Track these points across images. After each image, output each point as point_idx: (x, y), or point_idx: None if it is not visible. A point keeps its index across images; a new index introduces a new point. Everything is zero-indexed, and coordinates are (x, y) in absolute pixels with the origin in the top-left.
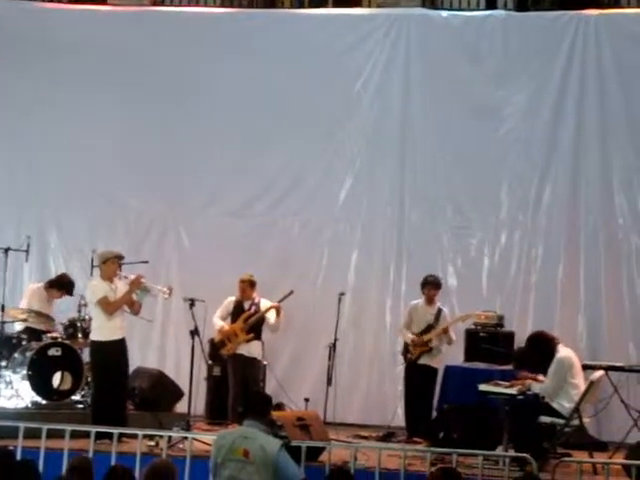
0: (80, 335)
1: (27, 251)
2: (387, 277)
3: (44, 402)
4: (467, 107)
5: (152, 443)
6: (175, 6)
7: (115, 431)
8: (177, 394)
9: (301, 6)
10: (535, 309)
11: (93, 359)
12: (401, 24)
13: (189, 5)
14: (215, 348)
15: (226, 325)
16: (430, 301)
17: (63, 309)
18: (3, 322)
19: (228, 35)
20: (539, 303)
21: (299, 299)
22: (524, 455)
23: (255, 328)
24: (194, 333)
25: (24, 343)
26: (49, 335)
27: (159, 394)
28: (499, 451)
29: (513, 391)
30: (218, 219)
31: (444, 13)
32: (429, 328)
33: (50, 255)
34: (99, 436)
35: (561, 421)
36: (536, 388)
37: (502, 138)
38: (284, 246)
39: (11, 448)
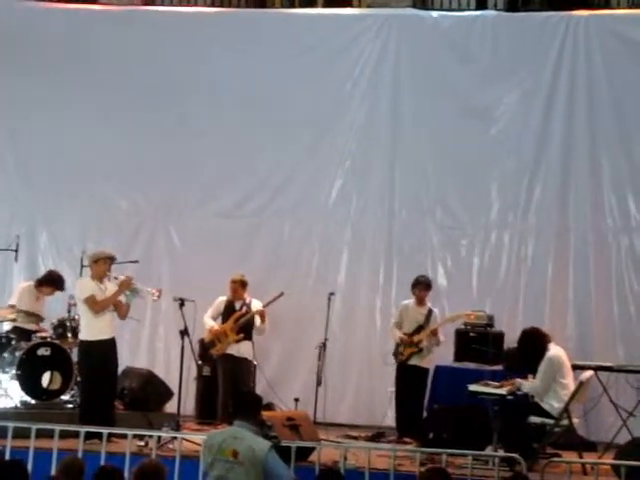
0: (70, 335)
1: (16, 251)
2: (377, 277)
3: (33, 402)
4: (457, 107)
5: (142, 443)
6: (166, 6)
7: (104, 431)
8: (167, 394)
9: (292, 6)
10: (525, 309)
11: (81, 358)
12: (391, 24)
13: (180, 5)
14: (205, 348)
15: (216, 325)
16: (421, 302)
17: (52, 309)
18: None
19: (219, 35)
20: (529, 303)
21: (289, 299)
22: (513, 455)
23: (245, 328)
24: (184, 333)
25: (13, 343)
26: (38, 335)
27: (149, 394)
28: (489, 451)
29: (503, 391)
30: (209, 219)
31: (434, 13)
32: (419, 329)
33: (40, 255)
34: (88, 436)
35: (551, 421)
36: (526, 387)
37: (492, 139)
38: (274, 246)
39: (0, 448)
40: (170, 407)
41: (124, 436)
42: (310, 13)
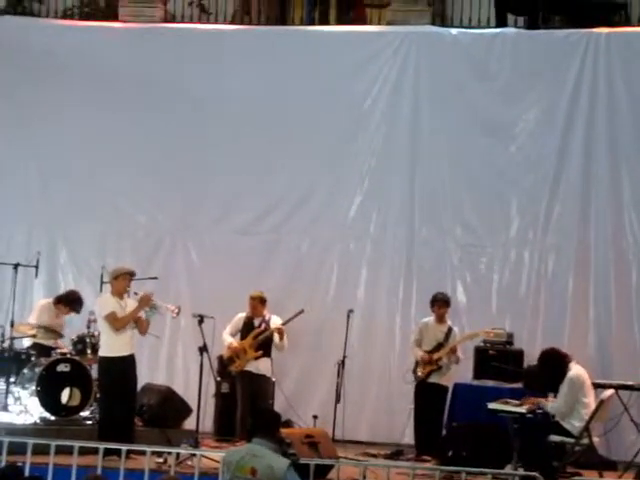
0: (89, 351)
1: (37, 267)
2: (396, 295)
3: (53, 418)
4: (477, 125)
5: (160, 460)
6: (186, 23)
7: (123, 447)
8: (185, 411)
9: (311, 23)
10: (545, 327)
11: (101, 375)
12: (411, 41)
13: (199, 22)
14: (224, 365)
15: (235, 342)
16: (440, 319)
17: (72, 325)
18: (12, 338)
19: (238, 52)
20: (549, 321)
21: (308, 316)
22: (533, 474)
23: (264, 345)
24: (203, 349)
25: (33, 359)
26: (58, 351)
27: (167, 410)
28: (508, 470)
29: (522, 409)
30: (227, 236)
31: (454, 31)
32: (439, 346)
33: (59, 271)
34: (107, 452)
35: (571, 440)
36: (548, 407)
37: (512, 156)
38: (293, 263)
39: (20, 464)
40: (189, 424)
41: (143, 453)
42: (329, 30)
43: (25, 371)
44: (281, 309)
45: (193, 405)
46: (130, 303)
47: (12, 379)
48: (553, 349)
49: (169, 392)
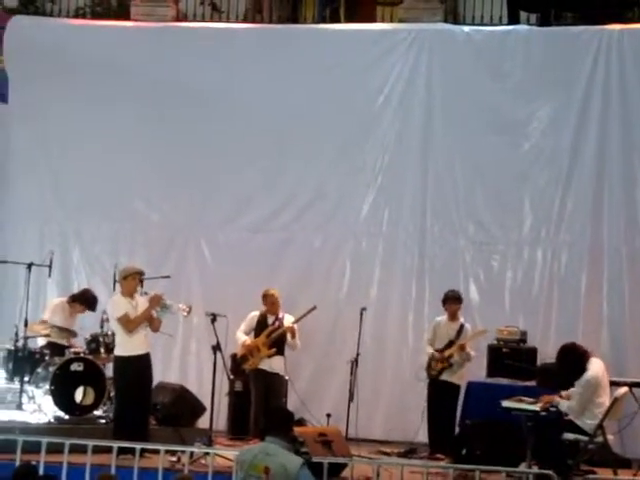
0: (103, 350)
1: (50, 266)
2: (409, 293)
3: (66, 417)
4: (489, 122)
5: (174, 458)
6: (198, 22)
7: (137, 446)
8: (199, 409)
9: (323, 21)
10: (558, 325)
11: (116, 374)
12: (423, 39)
13: (212, 21)
14: (237, 363)
15: (249, 340)
16: (453, 317)
17: (86, 324)
18: (26, 337)
19: (250, 51)
20: (562, 319)
21: (321, 314)
22: (548, 472)
23: (278, 343)
24: (216, 348)
25: (47, 358)
26: (72, 350)
27: (181, 409)
28: (522, 468)
29: (536, 407)
30: (239, 234)
31: (466, 28)
32: (450, 344)
33: (73, 270)
34: (121, 451)
35: (585, 438)
36: (563, 406)
37: (525, 154)
38: (305, 261)
39: (34, 463)
40: (202, 422)
41: (156, 451)
42: (341, 28)
43: (39, 370)
44: (293, 307)
45: (206, 404)
46: (141, 302)
47: (26, 378)
48: (573, 344)
49: (182, 391)
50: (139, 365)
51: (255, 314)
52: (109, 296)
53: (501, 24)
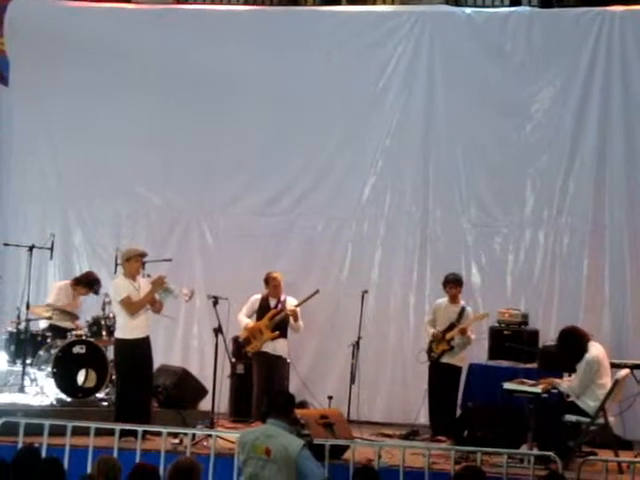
0: (104, 333)
1: (51, 249)
2: (411, 275)
3: (69, 399)
4: (491, 104)
5: (176, 441)
6: (199, 4)
7: (139, 429)
8: (201, 392)
9: (324, 3)
10: (560, 307)
11: (117, 357)
12: (424, 21)
13: (212, 3)
14: (239, 346)
15: (252, 323)
16: (454, 299)
17: (87, 307)
18: (28, 320)
19: (251, 33)
20: (564, 301)
21: (322, 297)
22: (549, 453)
23: (281, 326)
24: (217, 331)
25: (49, 341)
26: (74, 333)
27: (183, 392)
28: (524, 449)
29: (538, 389)
30: (241, 217)
31: (467, 10)
32: (452, 326)
33: (74, 253)
34: (123, 433)
35: (586, 420)
36: (563, 387)
37: (526, 135)
38: (307, 244)
39: (36, 445)
40: (204, 405)
41: (159, 434)
42: (342, 10)
43: (41, 353)
44: (295, 290)
45: (208, 386)
46: (143, 284)
47: (28, 361)
48: (573, 327)
49: (184, 373)
50: (139, 348)
51: (257, 297)
52: (111, 279)
53: (503, 5)
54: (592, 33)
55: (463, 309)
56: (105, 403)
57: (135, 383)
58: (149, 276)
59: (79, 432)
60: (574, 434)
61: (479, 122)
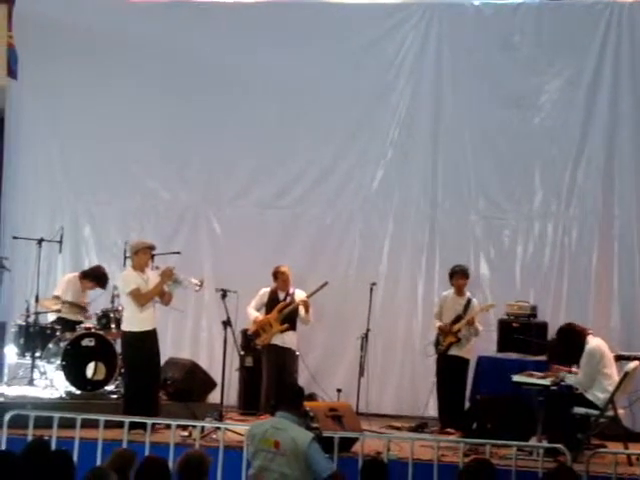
0: (113, 326)
1: (60, 242)
2: (419, 268)
3: (78, 392)
4: (500, 96)
5: (185, 433)
6: None
7: (148, 421)
8: (210, 384)
9: None
10: (569, 299)
11: (125, 349)
12: (433, 13)
13: None
14: (247, 339)
15: (261, 316)
16: (460, 291)
17: (96, 300)
18: (37, 313)
19: (260, 25)
20: (573, 293)
21: (331, 289)
22: (558, 446)
23: (290, 318)
24: (226, 324)
25: (58, 334)
26: (83, 326)
27: (192, 384)
28: (533, 442)
29: (547, 382)
30: (250, 210)
31: (476, 1)
32: (458, 318)
33: (83, 246)
34: (133, 426)
35: (595, 412)
36: (570, 380)
37: (535, 127)
38: (316, 236)
39: (46, 438)
40: (213, 397)
41: (168, 426)
42: (352, 2)
43: (50, 346)
44: (304, 283)
45: (217, 379)
46: (152, 276)
47: (37, 354)
48: (570, 324)
49: (193, 366)
50: (147, 340)
51: (266, 290)
52: (119, 272)
53: None
54: (601, 24)
55: (469, 301)
56: (114, 396)
57: (143, 375)
58: (158, 268)
59: (88, 425)
60: (583, 426)
61: (487, 114)
